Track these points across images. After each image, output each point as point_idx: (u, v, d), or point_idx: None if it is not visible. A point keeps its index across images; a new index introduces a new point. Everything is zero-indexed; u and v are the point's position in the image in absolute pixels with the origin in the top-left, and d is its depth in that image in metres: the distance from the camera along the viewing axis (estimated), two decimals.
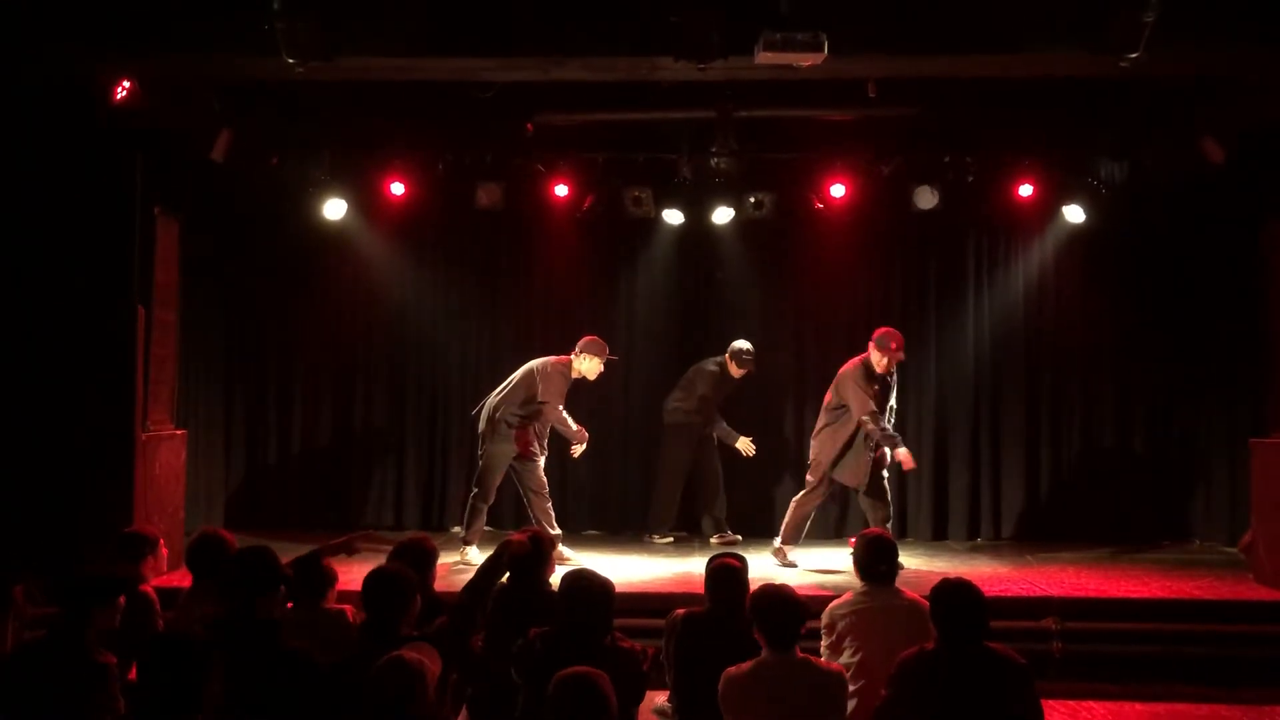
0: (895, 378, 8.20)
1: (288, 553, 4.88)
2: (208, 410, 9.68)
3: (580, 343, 8.30)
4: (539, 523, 7.95)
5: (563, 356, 8.29)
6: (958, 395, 9.81)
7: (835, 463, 8.03)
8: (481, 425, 8.21)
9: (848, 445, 8.00)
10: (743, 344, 9.04)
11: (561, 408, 8.21)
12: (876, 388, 7.97)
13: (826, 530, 9.39)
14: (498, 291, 10.00)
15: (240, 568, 4.27)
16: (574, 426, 8.28)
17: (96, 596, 4.19)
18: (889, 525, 7.85)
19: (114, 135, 7.18)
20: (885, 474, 8.16)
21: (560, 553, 7.93)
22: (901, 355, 8.03)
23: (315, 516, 9.76)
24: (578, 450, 8.45)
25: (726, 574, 4.78)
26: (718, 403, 9.23)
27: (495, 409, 8.13)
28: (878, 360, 7.98)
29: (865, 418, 7.84)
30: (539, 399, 8.11)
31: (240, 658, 3.87)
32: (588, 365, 8.24)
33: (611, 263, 10.00)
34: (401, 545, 5.13)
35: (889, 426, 8.02)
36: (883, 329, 8.12)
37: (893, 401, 8.19)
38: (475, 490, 8.19)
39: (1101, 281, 9.71)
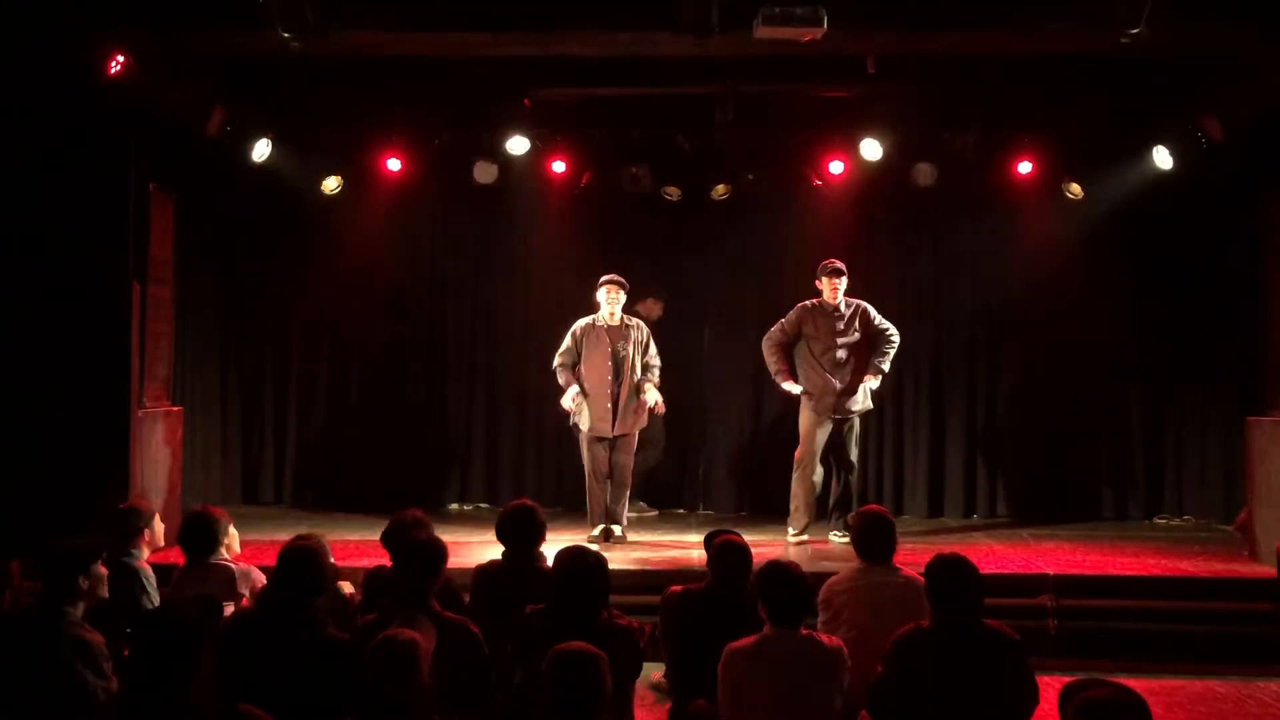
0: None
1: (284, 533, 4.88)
2: (204, 387, 9.67)
3: None
4: None
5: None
6: (953, 371, 9.81)
7: None
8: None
9: None
10: None
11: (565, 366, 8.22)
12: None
13: (824, 507, 9.37)
14: (495, 267, 9.97)
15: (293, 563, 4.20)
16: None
17: (71, 569, 4.17)
18: None
19: (109, 110, 7.12)
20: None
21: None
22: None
23: (311, 493, 9.78)
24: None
25: (731, 549, 4.77)
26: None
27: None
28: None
29: None
30: None
31: (281, 643, 3.91)
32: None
33: (609, 239, 9.96)
34: (397, 519, 5.13)
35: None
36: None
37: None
38: None
39: (1098, 258, 9.67)
